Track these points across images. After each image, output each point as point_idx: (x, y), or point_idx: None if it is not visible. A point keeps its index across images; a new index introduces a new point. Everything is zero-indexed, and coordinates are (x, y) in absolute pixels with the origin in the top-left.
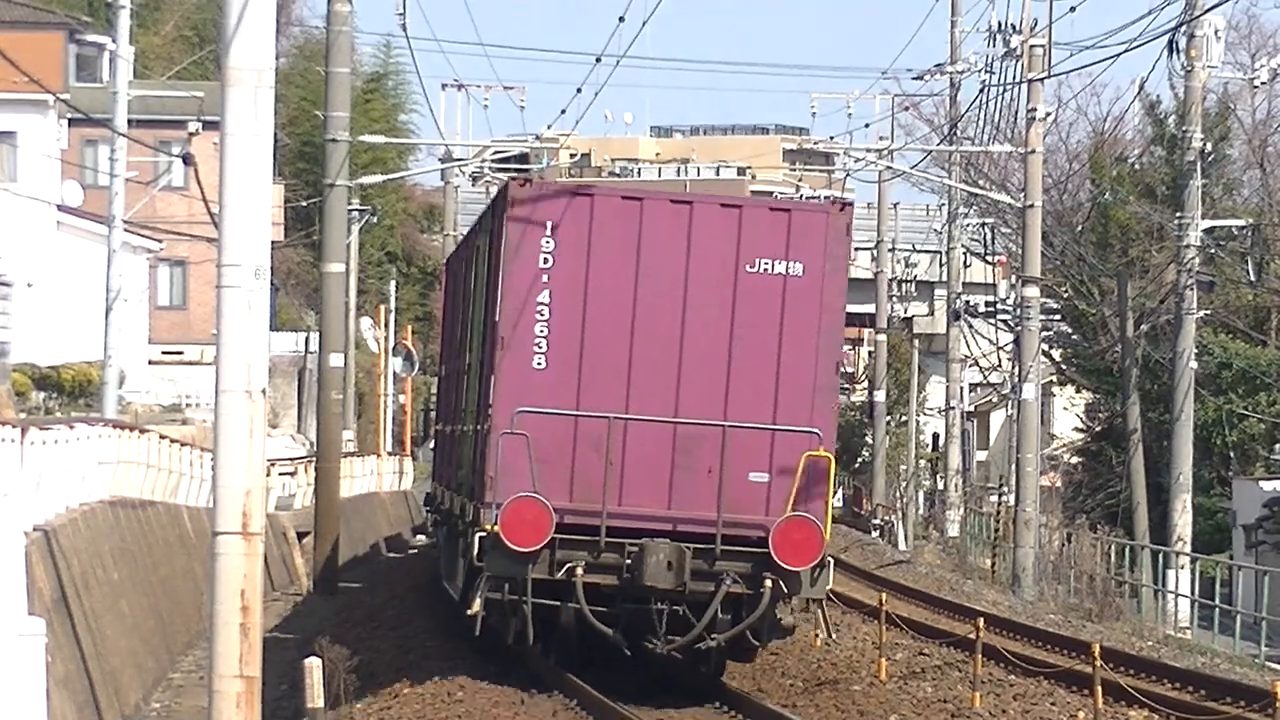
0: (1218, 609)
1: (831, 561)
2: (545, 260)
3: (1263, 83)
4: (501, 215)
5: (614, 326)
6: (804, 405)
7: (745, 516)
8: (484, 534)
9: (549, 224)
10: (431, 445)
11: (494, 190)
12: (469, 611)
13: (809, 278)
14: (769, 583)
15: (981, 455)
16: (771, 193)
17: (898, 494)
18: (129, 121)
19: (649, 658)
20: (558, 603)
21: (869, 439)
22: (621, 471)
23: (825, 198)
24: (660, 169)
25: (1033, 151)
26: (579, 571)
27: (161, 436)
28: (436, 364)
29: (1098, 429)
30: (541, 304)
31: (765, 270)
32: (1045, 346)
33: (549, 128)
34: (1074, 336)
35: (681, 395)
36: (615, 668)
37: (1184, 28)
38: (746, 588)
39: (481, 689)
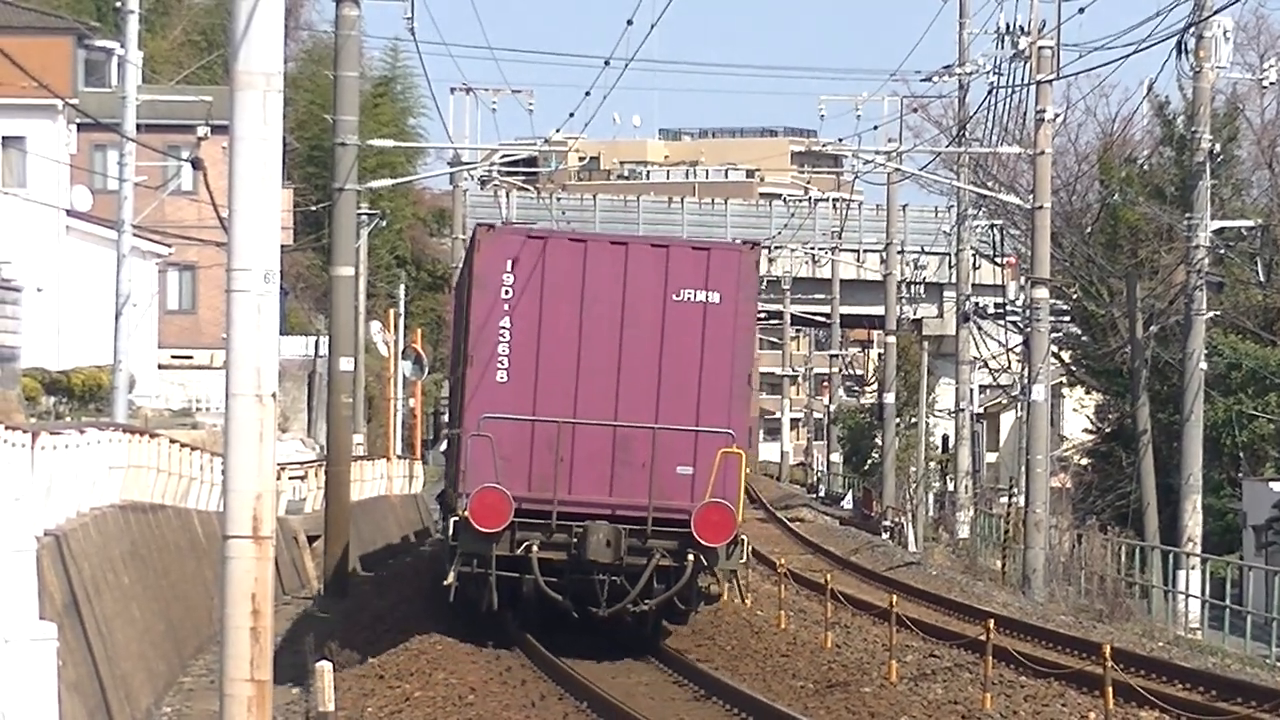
0: (1228, 609)
1: (745, 539)
2: (507, 292)
3: (1271, 83)
4: (471, 254)
5: (563, 346)
6: (721, 410)
7: (672, 502)
8: (457, 518)
9: (510, 262)
10: (442, 449)
11: (503, 193)
12: (445, 582)
13: (725, 305)
14: (692, 557)
15: (991, 457)
16: (780, 195)
17: (907, 496)
18: (138, 126)
19: (598, 622)
20: (517, 575)
21: (878, 441)
22: (570, 466)
23: (833, 199)
24: (669, 171)
25: (1041, 153)
26: (534, 549)
27: (172, 441)
28: (446, 370)
29: (1108, 430)
30: (504, 328)
31: (689, 299)
32: (1055, 348)
33: (557, 131)
34: (1083, 338)
35: (620, 403)
36: (570, 630)
37: (1193, 29)
38: (673, 561)
39: (492, 693)
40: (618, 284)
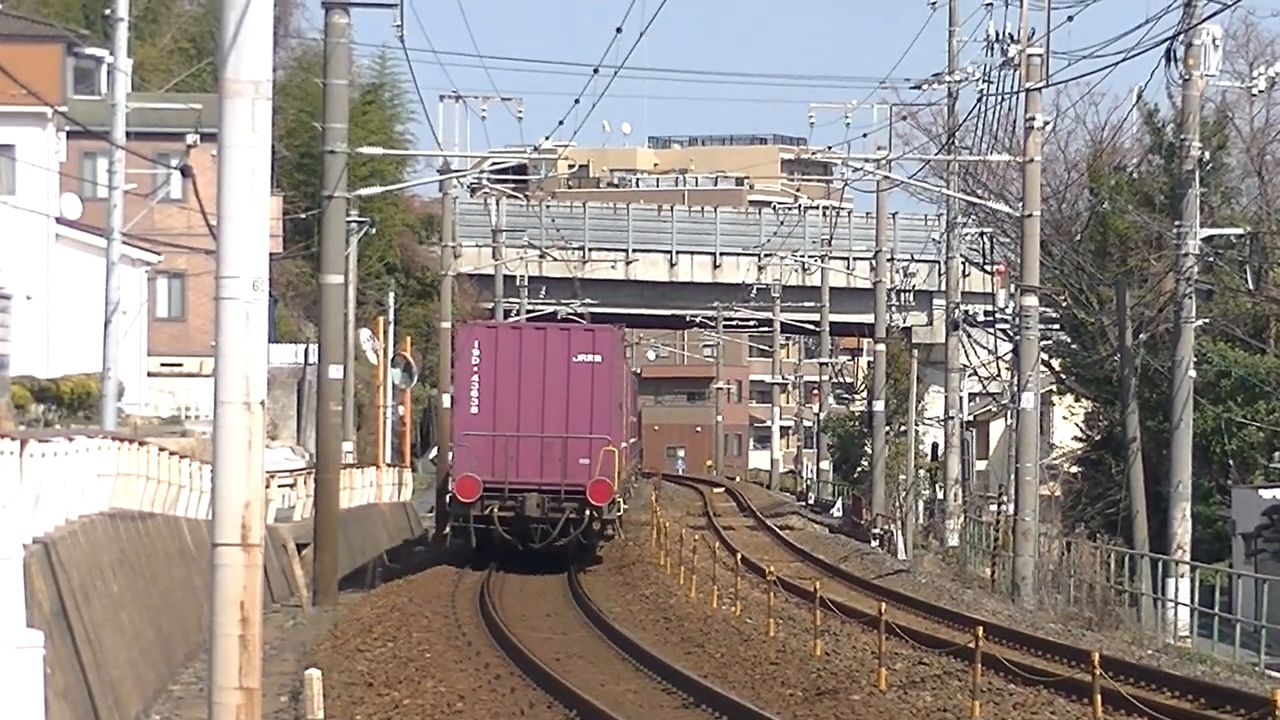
0: (1217, 617)
1: (620, 499)
2: (475, 360)
3: (1260, 91)
4: (454, 338)
5: (510, 390)
6: (604, 425)
7: (576, 480)
8: (449, 495)
9: (476, 343)
10: (431, 456)
11: (493, 201)
12: (442, 533)
13: (605, 363)
14: (587, 512)
15: (981, 465)
16: (770, 202)
17: (897, 503)
18: (127, 134)
19: (534, 554)
20: (485, 526)
21: (868, 449)
22: (516, 460)
23: (823, 207)
24: (658, 179)
25: (1031, 160)
26: (495, 510)
27: (161, 448)
28: (436, 376)
29: (1097, 438)
30: (474, 381)
31: (583, 360)
32: (1044, 356)
33: (547, 139)
34: (1073, 345)
35: (544, 422)
36: (518, 561)
37: (1182, 37)
38: (577, 515)
39: (481, 700)
40: (540, 352)
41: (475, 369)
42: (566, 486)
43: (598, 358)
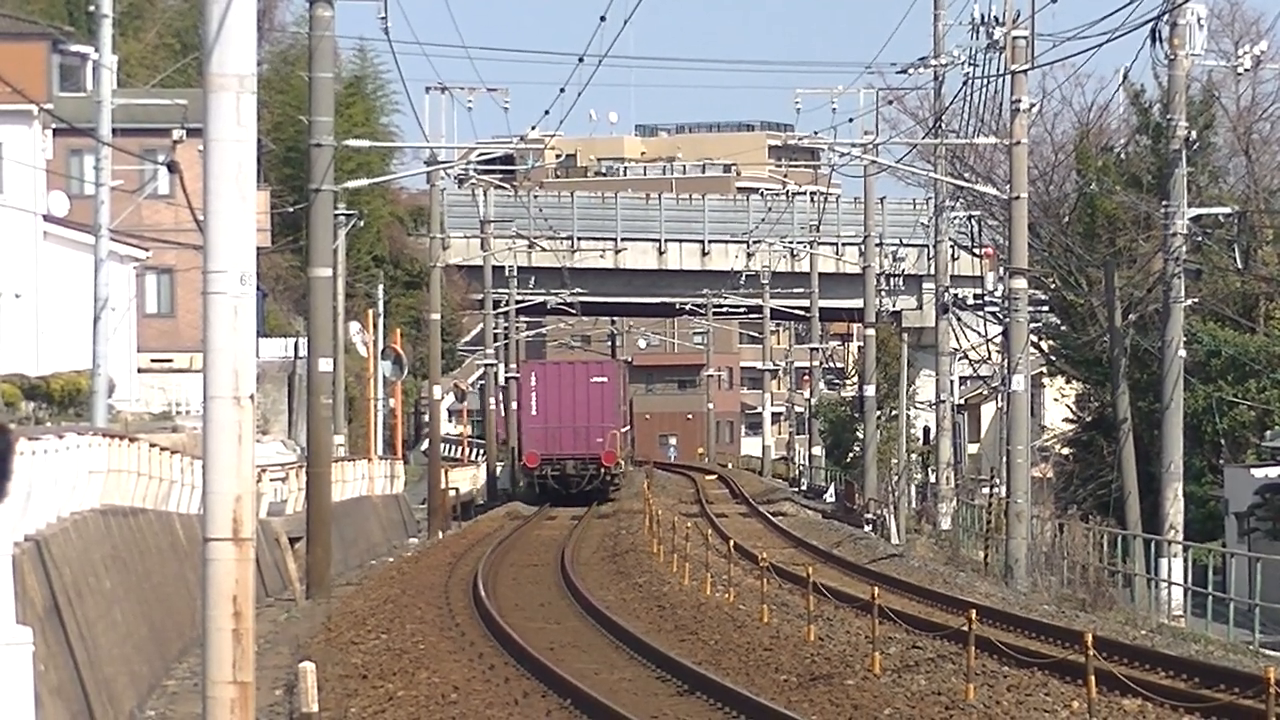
0: (1211, 597)
1: (624, 461)
2: (534, 383)
3: (1246, 70)
4: (518, 371)
5: (554, 399)
6: (611, 419)
7: (594, 452)
8: (520, 462)
9: (533, 374)
10: (423, 449)
11: (480, 192)
12: (519, 487)
13: (610, 382)
14: (602, 470)
15: (973, 448)
16: (758, 189)
17: (889, 488)
18: (113, 130)
19: (572, 496)
20: (542, 481)
21: (860, 434)
22: (559, 440)
23: (811, 193)
24: (646, 167)
25: (1017, 143)
26: (549, 471)
27: (152, 444)
28: (426, 368)
29: (1088, 419)
30: (533, 397)
31: (596, 381)
32: (1034, 338)
33: (534, 129)
34: (1062, 327)
35: (575, 417)
36: (563, 501)
37: (1166, 16)
38: (595, 472)
39: (475, 691)
40: (571, 377)
41: (534, 388)
42: (589, 456)
43: (605, 378)
